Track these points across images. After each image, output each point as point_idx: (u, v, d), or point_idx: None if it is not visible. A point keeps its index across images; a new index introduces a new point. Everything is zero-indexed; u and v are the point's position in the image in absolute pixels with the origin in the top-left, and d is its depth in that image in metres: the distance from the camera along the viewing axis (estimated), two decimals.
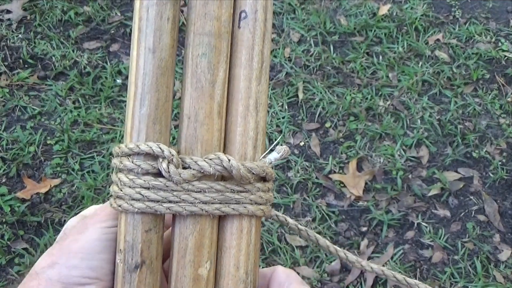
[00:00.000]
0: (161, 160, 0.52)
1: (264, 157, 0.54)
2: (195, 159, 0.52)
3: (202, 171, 0.52)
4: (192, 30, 0.54)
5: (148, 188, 0.52)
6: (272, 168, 0.54)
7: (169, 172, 0.51)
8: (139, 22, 0.53)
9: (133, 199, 0.52)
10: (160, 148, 0.51)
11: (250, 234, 0.54)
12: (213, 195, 0.52)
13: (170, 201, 0.52)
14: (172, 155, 0.51)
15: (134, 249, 0.52)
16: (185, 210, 0.52)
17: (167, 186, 0.52)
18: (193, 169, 0.52)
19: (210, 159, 0.52)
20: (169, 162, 0.51)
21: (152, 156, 0.52)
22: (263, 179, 0.54)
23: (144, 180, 0.52)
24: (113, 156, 0.54)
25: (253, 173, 0.52)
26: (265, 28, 0.55)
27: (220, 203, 0.52)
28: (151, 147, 0.51)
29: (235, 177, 0.52)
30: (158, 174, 0.52)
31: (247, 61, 0.54)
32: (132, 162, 0.52)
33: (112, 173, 0.55)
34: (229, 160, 0.51)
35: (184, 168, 0.52)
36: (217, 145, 0.53)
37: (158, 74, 0.53)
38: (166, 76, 0.53)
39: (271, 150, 0.55)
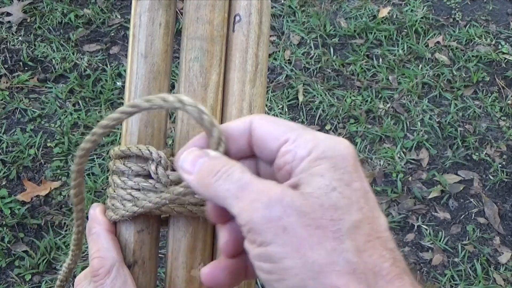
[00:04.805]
0: (150, 162, 0.52)
1: None
2: None
3: None
4: (185, 35, 0.55)
5: (138, 190, 0.52)
6: None
7: (157, 173, 0.52)
8: (133, 28, 0.54)
9: (125, 200, 0.52)
10: (149, 151, 0.52)
11: None
12: None
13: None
14: (160, 157, 0.52)
15: (127, 249, 0.53)
16: (174, 211, 0.52)
17: (156, 188, 0.52)
18: None
19: None
20: (157, 164, 0.52)
21: (143, 158, 0.53)
22: None
23: (135, 182, 0.52)
24: (110, 159, 0.55)
25: None
26: (260, 31, 0.55)
27: None
28: (140, 150, 0.52)
29: None
30: (149, 176, 0.53)
31: (241, 64, 0.54)
32: (124, 164, 0.53)
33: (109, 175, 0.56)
34: None
35: (173, 170, 0.52)
36: None
37: (150, 78, 0.53)
38: (159, 80, 0.54)
39: None
